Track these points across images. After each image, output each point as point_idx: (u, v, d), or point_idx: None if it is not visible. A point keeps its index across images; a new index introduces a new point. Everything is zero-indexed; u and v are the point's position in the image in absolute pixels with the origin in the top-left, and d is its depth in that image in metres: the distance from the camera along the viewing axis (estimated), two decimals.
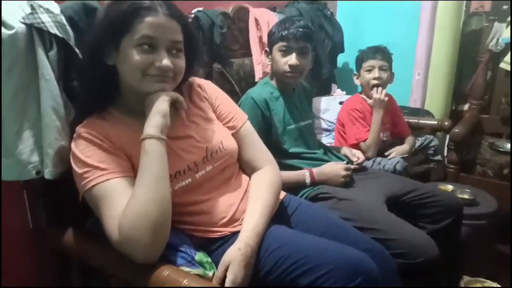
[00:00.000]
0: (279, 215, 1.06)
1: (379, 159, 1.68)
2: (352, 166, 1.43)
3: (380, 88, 1.72)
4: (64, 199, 1.07)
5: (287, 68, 1.38)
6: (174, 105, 0.93)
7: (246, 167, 1.09)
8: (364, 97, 1.80)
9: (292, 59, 1.37)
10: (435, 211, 1.33)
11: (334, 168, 1.37)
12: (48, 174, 0.97)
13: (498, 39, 2.08)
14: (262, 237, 0.92)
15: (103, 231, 0.83)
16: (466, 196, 1.66)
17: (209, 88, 1.10)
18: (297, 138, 1.44)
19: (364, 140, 1.70)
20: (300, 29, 1.36)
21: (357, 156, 1.51)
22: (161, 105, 0.87)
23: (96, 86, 0.93)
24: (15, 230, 1.16)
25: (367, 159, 1.67)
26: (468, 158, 2.20)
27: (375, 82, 1.74)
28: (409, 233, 1.13)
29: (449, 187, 1.75)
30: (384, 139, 1.80)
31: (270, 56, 1.46)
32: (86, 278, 1.10)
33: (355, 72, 1.85)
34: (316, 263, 0.83)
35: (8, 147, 0.95)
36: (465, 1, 2.21)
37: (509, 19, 2.02)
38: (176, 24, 0.89)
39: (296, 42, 1.36)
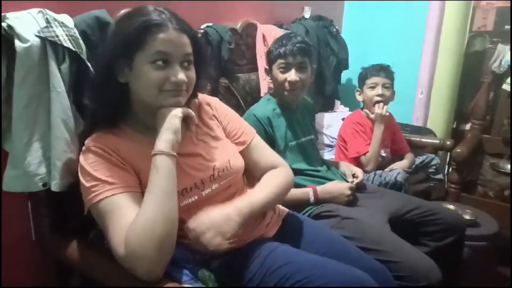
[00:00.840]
0: (282, 232, 1.07)
1: (379, 171, 1.69)
2: (354, 184, 1.43)
3: (381, 104, 1.75)
4: (67, 210, 1.07)
5: (287, 85, 1.40)
6: (185, 120, 0.93)
7: (265, 172, 1.09)
8: (367, 111, 1.82)
9: (291, 75, 1.38)
10: (437, 229, 1.33)
11: (338, 187, 1.37)
12: (55, 186, 0.97)
13: (501, 61, 2.11)
14: (257, 213, 0.97)
15: (107, 244, 0.83)
16: (467, 217, 1.65)
17: (218, 106, 1.10)
18: (298, 154, 1.45)
19: (365, 154, 1.71)
20: (297, 45, 1.37)
21: (357, 175, 1.49)
22: (173, 121, 0.87)
23: (107, 102, 0.93)
24: (17, 240, 1.15)
25: (366, 173, 1.68)
26: (469, 178, 2.21)
27: (378, 98, 1.77)
28: (412, 256, 1.12)
29: (450, 207, 1.74)
30: (384, 154, 1.81)
31: (270, 75, 1.47)
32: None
33: (358, 88, 1.87)
34: (320, 282, 0.84)
35: (16, 158, 0.95)
36: (469, 20, 2.23)
37: None
38: (186, 37, 0.90)
39: (294, 58, 1.38)
